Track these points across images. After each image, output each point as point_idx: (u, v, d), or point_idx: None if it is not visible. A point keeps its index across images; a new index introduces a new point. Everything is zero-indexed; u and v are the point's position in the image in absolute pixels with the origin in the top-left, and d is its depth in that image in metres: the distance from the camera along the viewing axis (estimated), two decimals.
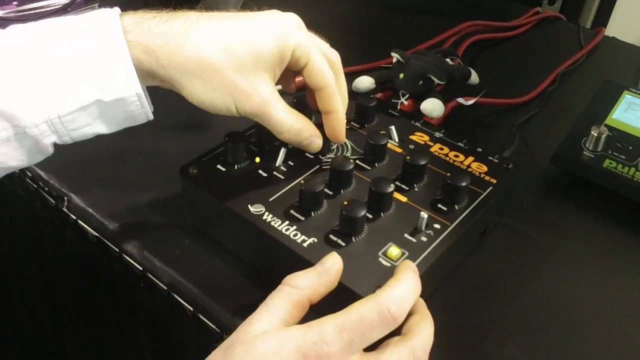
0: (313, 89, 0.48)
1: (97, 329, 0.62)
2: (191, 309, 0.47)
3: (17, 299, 0.73)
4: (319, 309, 0.44)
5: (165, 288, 0.48)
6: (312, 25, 0.80)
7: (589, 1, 1.23)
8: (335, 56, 0.50)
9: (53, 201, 0.55)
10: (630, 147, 0.60)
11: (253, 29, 0.44)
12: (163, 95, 0.68)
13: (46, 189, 0.55)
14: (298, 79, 0.68)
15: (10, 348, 0.80)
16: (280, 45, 0.44)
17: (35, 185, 0.56)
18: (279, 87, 0.68)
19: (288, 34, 0.45)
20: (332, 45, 0.73)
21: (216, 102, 0.43)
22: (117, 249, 0.51)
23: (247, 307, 0.45)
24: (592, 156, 0.59)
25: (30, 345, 0.76)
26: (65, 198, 0.54)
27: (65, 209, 0.54)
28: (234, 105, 0.44)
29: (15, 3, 0.72)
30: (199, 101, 0.44)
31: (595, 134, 0.59)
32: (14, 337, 0.78)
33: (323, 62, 0.47)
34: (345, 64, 0.72)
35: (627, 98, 0.66)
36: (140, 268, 0.50)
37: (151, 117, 0.44)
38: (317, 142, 0.49)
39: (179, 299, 0.48)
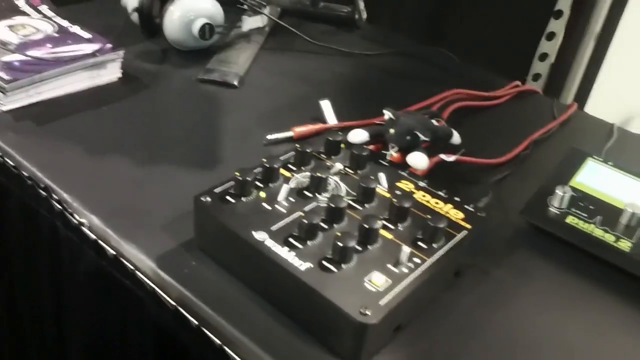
0: None
1: (101, 337, 0.67)
2: (196, 322, 0.53)
3: (23, 311, 0.78)
4: (305, 324, 0.50)
5: (173, 303, 0.54)
6: (317, 83, 0.89)
7: (571, 79, 1.36)
8: None
9: (75, 221, 0.61)
10: (591, 207, 0.68)
11: None
12: (181, 134, 0.76)
13: (69, 210, 0.62)
14: (299, 128, 0.76)
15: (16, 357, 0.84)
16: None
17: (60, 207, 0.63)
18: (278, 135, 0.76)
19: None
20: (333, 101, 0.81)
21: None
22: (132, 267, 0.57)
23: (245, 322, 0.51)
24: (557, 212, 0.67)
25: (33, 357, 0.81)
26: (85, 220, 0.60)
27: (86, 229, 0.60)
28: None
29: (49, 46, 0.80)
30: None
31: (560, 193, 0.67)
32: (20, 345, 0.82)
33: None
34: (344, 118, 0.80)
35: (589, 164, 0.75)
36: (152, 284, 0.55)
37: None
38: None
39: (184, 312, 0.54)
